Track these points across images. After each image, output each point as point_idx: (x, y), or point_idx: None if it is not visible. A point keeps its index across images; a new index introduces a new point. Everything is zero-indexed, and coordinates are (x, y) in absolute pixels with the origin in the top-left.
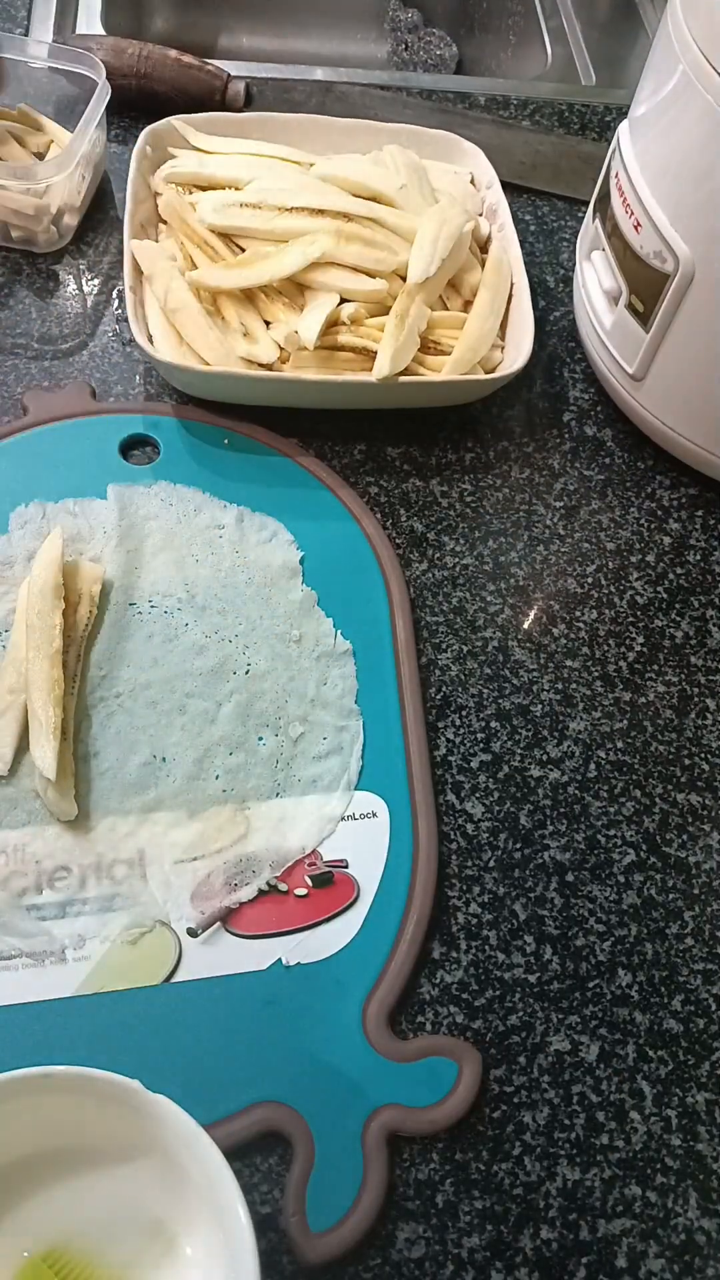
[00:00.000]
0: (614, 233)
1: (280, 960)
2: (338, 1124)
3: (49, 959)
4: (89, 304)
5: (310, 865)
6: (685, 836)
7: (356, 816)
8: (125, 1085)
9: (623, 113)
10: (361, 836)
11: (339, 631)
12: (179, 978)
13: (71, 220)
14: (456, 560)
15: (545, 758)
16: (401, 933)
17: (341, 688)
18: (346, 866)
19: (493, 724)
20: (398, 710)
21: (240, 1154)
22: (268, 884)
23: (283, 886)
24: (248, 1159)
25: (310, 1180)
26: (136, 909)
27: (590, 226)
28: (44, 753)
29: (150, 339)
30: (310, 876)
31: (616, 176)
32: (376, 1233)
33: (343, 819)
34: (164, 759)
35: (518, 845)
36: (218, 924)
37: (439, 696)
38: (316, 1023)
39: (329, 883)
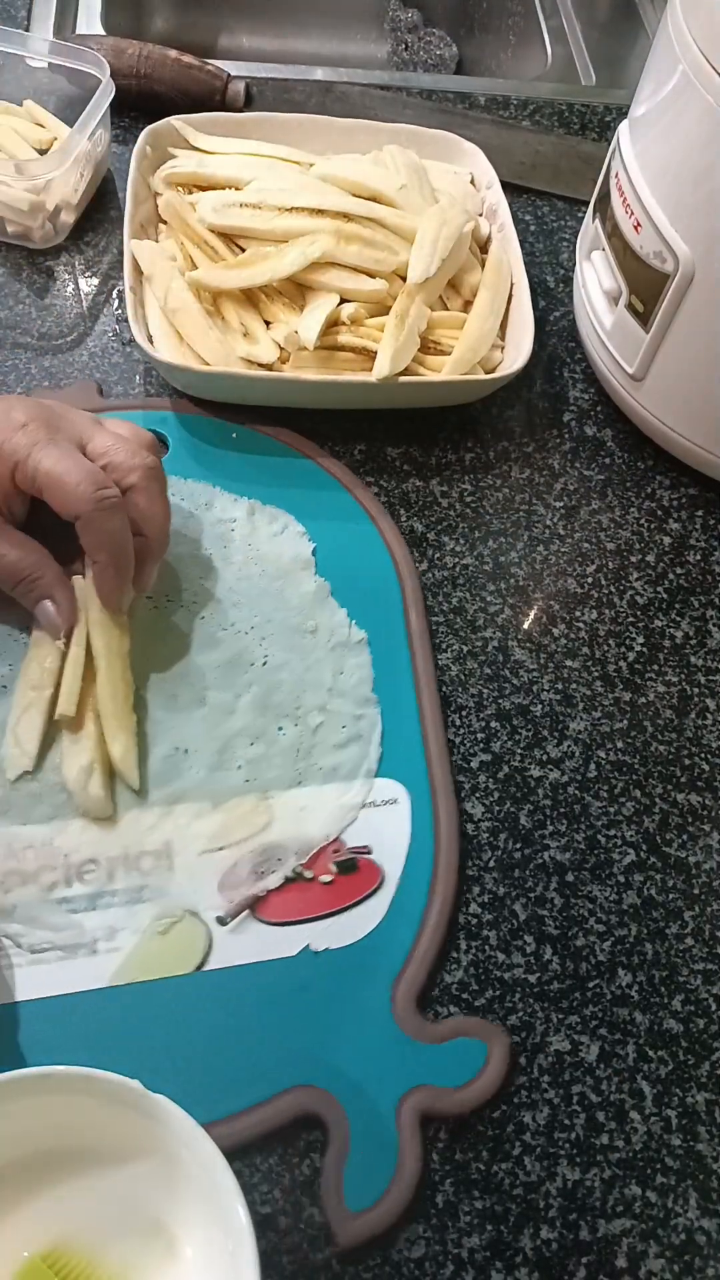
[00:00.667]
0: (614, 233)
1: (309, 946)
2: (371, 1106)
3: (81, 951)
4: (89, 303)
5: (334, 852)
6: (685, 836)
7: (378, 803)
8: (125, 1085)
9: (623, 113)
10: (383, 823)
11: (353, 621)
12: (210, 966)
13: (69, 217)
14: (456, 560)
15: (545, 758)
16: (427, 915)
17: (358, 676)
18: (370, 853)
19: (493, 724)
20: (414, 699)
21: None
22: (293, 871)
23: (308, 874)
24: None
25: (347, 1162)
26: (165, 899)
27: (590, 226)
28: (125, 757)
29: (150, 339)
30: (335, 863)
31: (616, 176)
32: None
33: (364, 806)
34: (186, 751)
35: (518, 845)
36: (246, 912)
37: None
38: (347, 1007)
39: (353, 869)
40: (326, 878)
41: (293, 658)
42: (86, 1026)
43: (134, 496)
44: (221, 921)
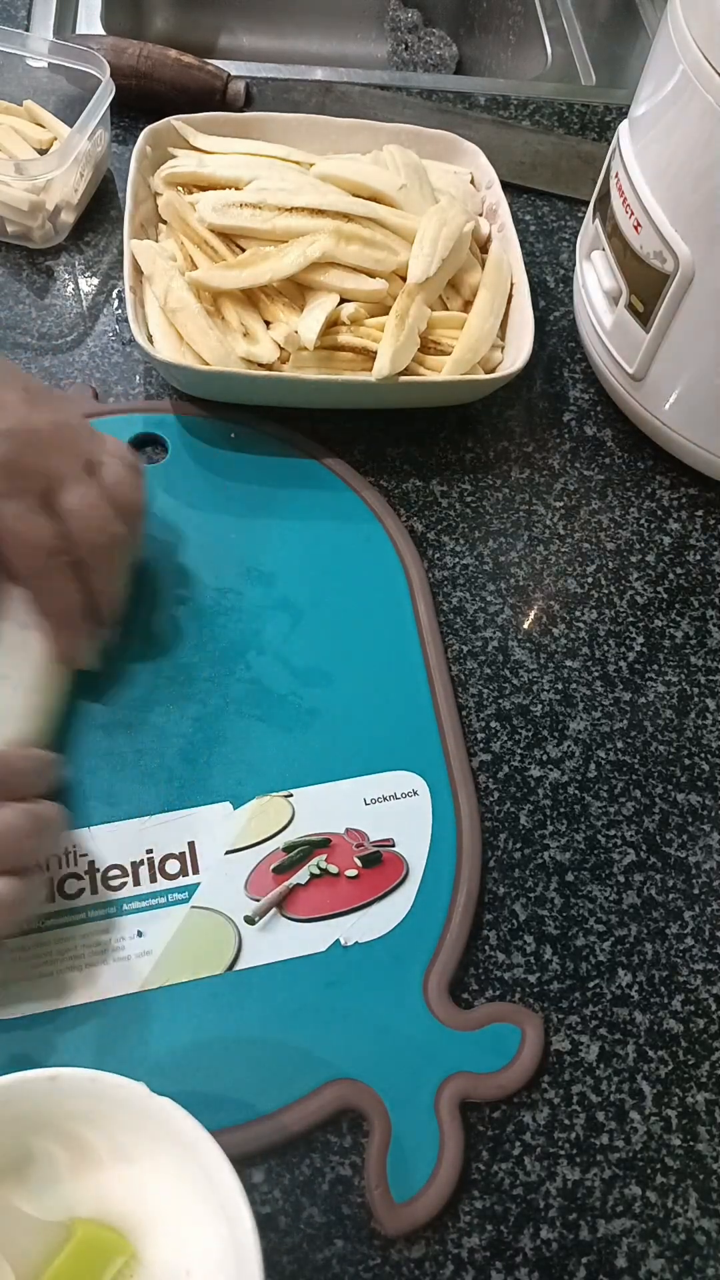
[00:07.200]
0: (614, 233)
1: (339, 941)
2: (410, 1095)
3: (112, 957)
4: (89, 303)
5: (358, 847)
6: (685, 836)
7: (398, 796)
8: (130, 1087)
9: (623, 113)
10: (405, 815)
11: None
12: (241, 965)
13: (69, 217)
14: (456, 560)
15: (545, 758)
16: (454, 903)
17: None
18: (393, 845)
19: (493, 724)
20: (428, 691)
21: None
22: (318, 867)
23: (333, 869)
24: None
25: (389, 1152)
26: (192, 901)
27: (590, 226)
28: None
29: (150, 339)
30: (359, 858)
31: (616, 176)
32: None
33: (385, 799)
34: None
35: (518, 845)
36: (274, 910)
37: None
38: (380, 999)
39: (378, 862)
40: (352, 872)
41: None
42: (122, 1030)
43: (91, 563)
44: (250, 921)
